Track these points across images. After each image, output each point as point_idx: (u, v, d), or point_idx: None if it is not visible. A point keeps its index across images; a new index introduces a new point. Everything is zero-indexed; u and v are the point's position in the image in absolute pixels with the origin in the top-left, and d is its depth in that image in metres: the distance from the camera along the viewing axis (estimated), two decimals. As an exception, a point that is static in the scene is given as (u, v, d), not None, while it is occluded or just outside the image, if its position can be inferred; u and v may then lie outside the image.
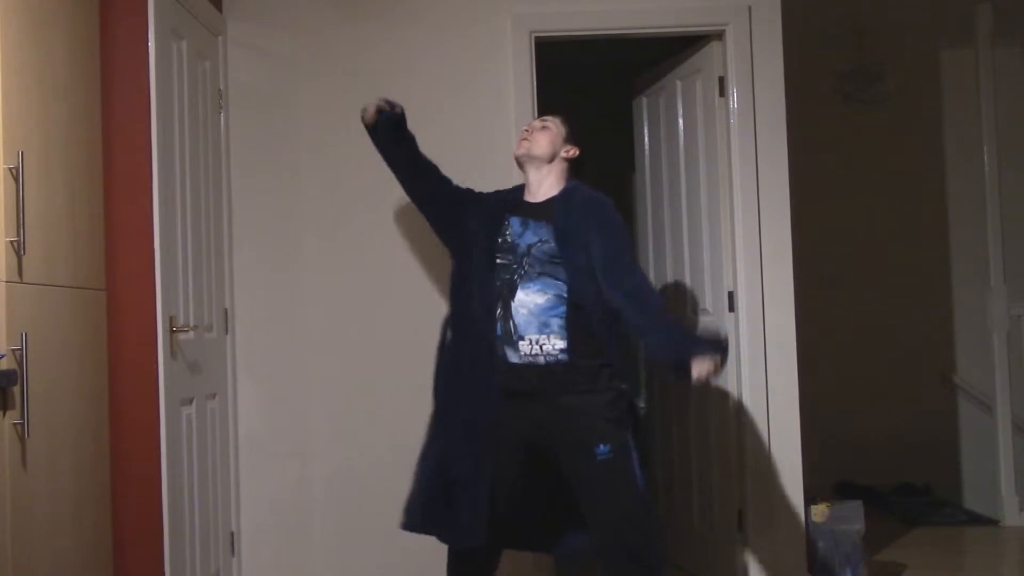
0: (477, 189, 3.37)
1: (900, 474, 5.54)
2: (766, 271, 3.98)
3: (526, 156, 3.18)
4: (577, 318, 2.98)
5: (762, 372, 3.95)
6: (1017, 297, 5.26)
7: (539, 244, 3.05)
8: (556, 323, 2.98)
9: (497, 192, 3.31)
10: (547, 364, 2.98)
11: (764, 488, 3.94)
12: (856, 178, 5.61)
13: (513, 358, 3.00)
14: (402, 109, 3.31)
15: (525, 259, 3.04)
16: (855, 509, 4.06)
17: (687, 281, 4.27)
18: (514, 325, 3.00)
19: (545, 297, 3.00)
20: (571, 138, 3.20)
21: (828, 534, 4.00)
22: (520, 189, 3.24)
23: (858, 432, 5.49)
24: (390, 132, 3.30)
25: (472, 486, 2.99)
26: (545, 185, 3.17)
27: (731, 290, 4.01)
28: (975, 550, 4.83)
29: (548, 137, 3.17)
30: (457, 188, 3.34)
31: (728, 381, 4.00)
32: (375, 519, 3.88)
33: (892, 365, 5.54)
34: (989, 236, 5.25)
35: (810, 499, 4.04)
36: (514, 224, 3.11)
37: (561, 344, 2.98)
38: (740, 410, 3.98)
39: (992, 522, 5.15)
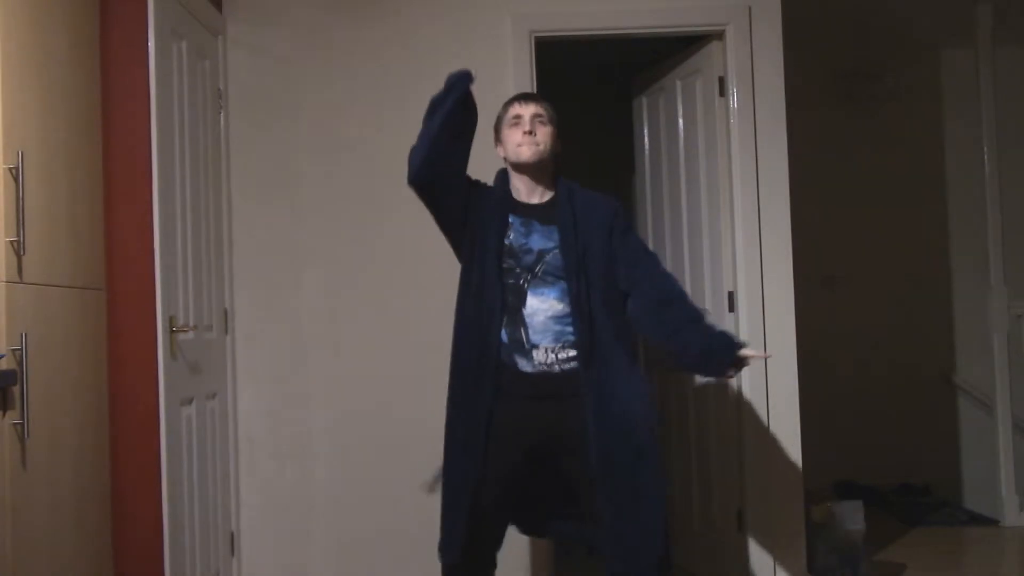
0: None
1: (900, 474, 5.54)
2: (766, 271, 3.98)
3: (539, 160, 2.93)
4: (592, 326, 2.83)
5: (762, 372, 3.95)
6: (1017, 297, 5.26)
7: (554, 249, 2.87)
8: (571, 331, 2.82)
9: (486, 186, 3.03)
10: (562, 372, 2.83)
11: (764, 488, 3.95)
12: (856, 178, 5.60)
13: (525, 367, 2.83)
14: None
15: (538, 265, 2.86)
16: (855, 509, 4.06)
17: (687, 281, 4.26)
18: (526, 334, 2.83)
19: (564, 304, 2.83)
20: (557, 126, 2.98)
21: (828, 534, 4.00)
22: (505, 186, 2.98)
23: (858, 432, 5.49)
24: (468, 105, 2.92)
25: (450, 502, 2.89)
26: (543, 185, 2.97)
27: (731, 290, 4.01)
28: (975, 550, 4.82)
29: (551, 133, 2.95)
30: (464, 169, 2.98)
31: (728, 381, 3.99)
32: (374, 519, 3.89)
33: (892, 365, 5.54)
34: (989, 236, 5.25)
35: (810, 499, 4.05)
36: (516, 225, 2.91)
37: (575, 352, 2.83)
38: (740, 410, 3.97)
39: (992, 522, 5.15)
